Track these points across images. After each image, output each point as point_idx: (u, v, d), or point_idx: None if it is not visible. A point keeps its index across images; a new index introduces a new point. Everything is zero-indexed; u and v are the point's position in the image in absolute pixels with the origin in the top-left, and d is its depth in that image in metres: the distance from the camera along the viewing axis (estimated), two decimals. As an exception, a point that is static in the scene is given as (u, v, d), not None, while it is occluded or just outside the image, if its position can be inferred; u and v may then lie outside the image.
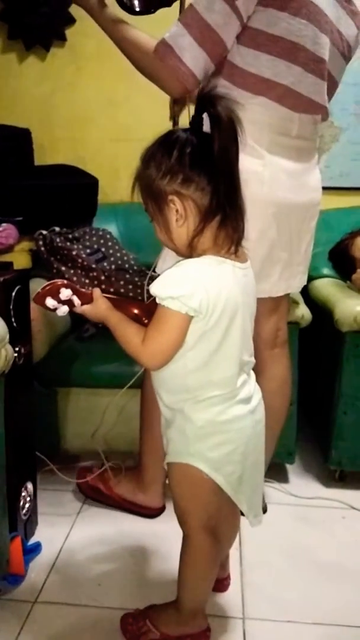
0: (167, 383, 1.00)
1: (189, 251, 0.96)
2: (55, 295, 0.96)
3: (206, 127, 0.92)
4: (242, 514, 1.30)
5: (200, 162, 0.90)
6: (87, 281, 1.84)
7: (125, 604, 1.22)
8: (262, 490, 1.11)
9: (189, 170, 0.90)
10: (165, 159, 0.91)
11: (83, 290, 0.99)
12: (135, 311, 1.01)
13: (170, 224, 0.94)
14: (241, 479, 1.02)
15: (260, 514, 1.10)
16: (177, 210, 0.92)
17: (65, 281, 0.97)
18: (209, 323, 0.92)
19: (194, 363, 0.95)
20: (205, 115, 0.91)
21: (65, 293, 0.96)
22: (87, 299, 0.99)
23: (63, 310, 0.97)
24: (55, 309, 0.97)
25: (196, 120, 0.92)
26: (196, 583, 1.11)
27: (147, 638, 1.13)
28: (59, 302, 0.96)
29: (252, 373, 1.07)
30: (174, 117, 1.52)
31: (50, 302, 0.96)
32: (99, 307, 0.99)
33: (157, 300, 0.92)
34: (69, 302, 0.97)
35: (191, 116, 0.93)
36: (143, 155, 0.95)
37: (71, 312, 0.99)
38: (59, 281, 0.97)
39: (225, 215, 0.92)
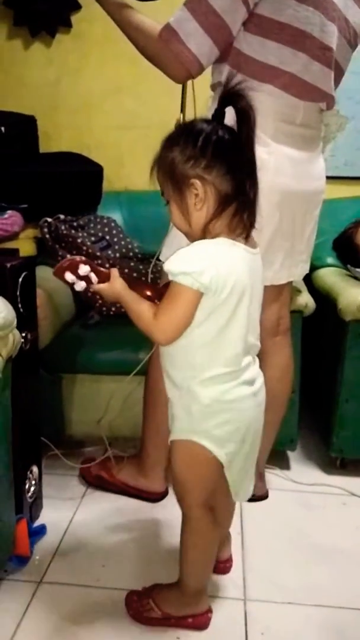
0: (175, 359, 1.03)
1: (203, 235, 0.99)
2: (75, 270, 0.99)
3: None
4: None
5: (223, 151, 0.94)
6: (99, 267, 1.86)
7: (129, 585, 1.24)
8: (254, 470, 1.13)
9: (212, 157, 0.94)
10: (190, 145, 0.95)
11: (101, 268, 1.02)
12: (148, 293, 1.03)
13: (189, 207, 0.97)
14: (236, 457, 1.05)
15: (242, 493, 1.12)
16: (196, 194, 0.96)
17: (84, 258, 1.00)
18: (218, 300, 0.95)
19: (202, 340, 0.98)
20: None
21: (84, 269, 0.99)
22: (104, 278, 1.01)
23: (81, 285, 1.00)
24: (73, 284, 1.00)
25: (219, 113, 0.97)
26: (197, 561, 1.13)
27: (150, 616, 1.16)
28: (78, 277, 0.99)
29: (257, 358, 1.09)
30: (182, 104, 1.52)
31: (69, 276, 0.99)
32: (115, 286, 1.01)
33: (170, 277, 0.95)
34: (86, 279, 1.00)
35: (214, 109, 0.97)
36: (165, 141, 0.99)
37: (86, 290, 1.02)
38: (79, 257, 1.00)
39: (241, 202, 0.96)
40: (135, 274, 1.84)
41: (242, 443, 1.04)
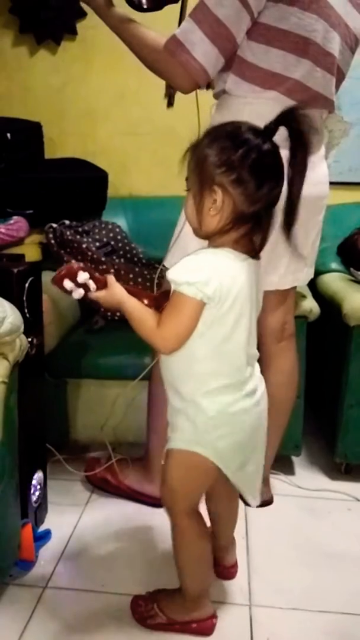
0: (176, 370, 1.02)
1: (208, 239, 0.99)
2: (73, 277, 0.97)
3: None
4: (246, 503, 1.33)
5: (259, 170, 0.92)
6: (96, 274, 1.87)
7: (134, 590, 1.24)
8: (261, 474, 1.14)
9: (246, 173, 0.92)
10: (230, 151, 0.92)
11: (98, 276, 1.00)
12: (145, 301, 1.02)
13: (203, 209, 0.96)
14: (242, 464, 1.06)
15: (257, 496, 1.13)
16: (215, 201, 0.94)
17: (82, 264, 0.98)
18: (220, 311, 0.95)
19: (203, 350, 0.98)
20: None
21: (83, 276, 0.97)
22: (102, 285, 1.00)
23: (79, 293, 0.98)
24: (71, 292, 0.98)
25: (270, 129, 0.95)
26: (193, 567, 1.13)
27: (155, 622, 1.16)
28: (77, 285, 0.97)
29: (257, 365, 1.09)
30: (169, 98, 1.53)
31: (68, 284, 0.97)
32: (114, 292, 1.00)
33: (173, 286, 0.95)
34: (84, 286, 0.98)
35: (269, 122, 0.95)
36: (209, 133, 0.97)
37: (85, 298, 1.00)
38: (76, 264, 0.98)
39: (255, 226, 0.95)
40: (140, 279, 1.85)
41: (245, 451, 1.05)
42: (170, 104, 1.52)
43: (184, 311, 0.95)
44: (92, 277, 0.99)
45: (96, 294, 1.00)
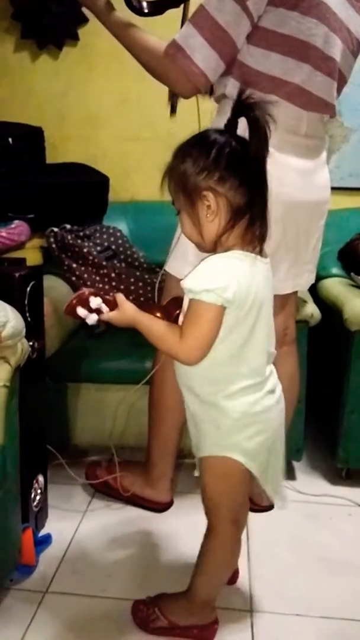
0: (197, 376, 1.01)
1: (215, 247, 0.99)
2: (85, 304, 0.96)
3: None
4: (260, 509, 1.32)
5: (236, 163, 0.94)
6: (97, 278, 1.87)
7: (134, 595, 1.24)
8: (282, 473, 1.14)
9: (226, 169, 0.93)
10: (203, 156, 0.94)
11: (107, 297, 0.99)
12: (158, 314, 1.01)
13: (200, 218, 0.96)
14: (268, 465, 1.06)
15: (284, 496, 1.14)
16: (209, 206, 0.95)
17: (92, 290, 0.97)
18: (241, 314, 0.95)
19: (224, 355, 0.97)
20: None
21: (96, 302, 0.96)
22: (112, 305, 0.99)
23: (93, 318, 0.96)
24: (85, 318, 0.96)
25: (232, 124, 0.96)
26: (215, 575, 1.13)
27: (156, 625, 1.15)
28: (90, 311, 0.96)
29: (273, 365, 1.09)
30: (172, 106, 1.54)
31: (81, 311, 0.95)
32: (127, 311, 0.98)
33: (191, 296, 0.93)
34: (97, 310, 0.97)
35: (227, 119, 0.96)
36: (177, 151, 0.98)
37: (98, 322, 0.98)
38: (87, 290, 0.97)
39: (254, 215, 0.96)
40: (141, 284, 1.85)
41: (270, 451, 1.05)
42: (173, 111, 1.53)
43: (206, 319, 0.93)
44: (102, 299, 0.97)
45: (108, 316, 0.98)
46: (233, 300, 0.92)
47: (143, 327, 0.99)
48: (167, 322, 1.00)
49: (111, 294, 1.01)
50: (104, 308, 0.97)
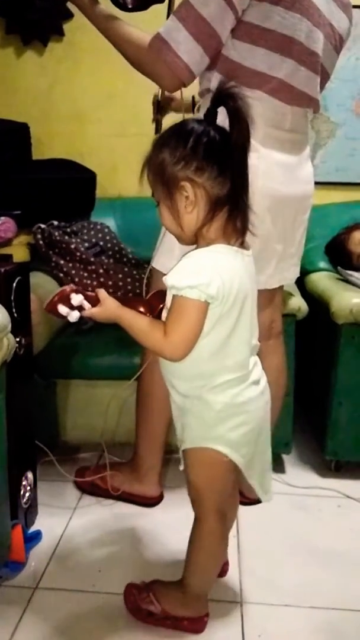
0: (182, 371, 1.01)
1: (195, 239, 0.98)
2: (67, 301, 0.95)
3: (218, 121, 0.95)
4: (249, 502, 1.34)
5: (214, 152, 0.93)
6: (85, 274, 1.86)
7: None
8: (270, 467, 1.14)
9: (203, 159, 0.92)
10: (181, 146, 0.93)
11: (89, 292, 0.98)
12: (141, 309, 1.01)
13: (179, 210, 0.96)
14: (253, 457, 1.06)
15: (270, 490, 1.14)
16: (187, 197, 0.94)
17: (73, 286, 0.96)
18: (224, 309, 0.95)
19: (209, 349, 0.97)
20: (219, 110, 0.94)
21: (77, 299, 0.95)
22: (94, 301, 0.98)
23: (75, 316, 0.96)
24: (67, 316, 0.96)
25: (211, 113, 0.95)
26: (205, 566, 1.14)
27: (148, 609, 1.15)
28: (71, 308, 0.95)
29: (258, 357, 1.09)
30: (157, 124, 1.54)
31: (63, 309, 0.95)
32: (109, 307, 0.98)
33: (174, 292, 0.93)
34: (79, 307, 0.96)
35: (207, 109, 0.96)
36: (156, 141, 0.97)
37: (80, 319, 0.97)
38: (68, 287, 0.96)
39: (233, 207, 0.95)
40: (129, 279, 1.85)
41: (255, 443, 1.05)
42: (157, 130, 1.53)
43: (190, 315, 0.93)
44: (83, 296, 0.96)
45: (90, 312, 0.97)
46: (216, 296, 0.92)
47: (126, 323, 0.98)
48: (151, 318, 0.99)
49: (90, 289, 0.99)
50: (86, 305, 0.96)
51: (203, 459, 1.04)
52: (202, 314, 0.94)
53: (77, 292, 0.95)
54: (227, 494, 1.09)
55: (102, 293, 0.99)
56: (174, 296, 0.94)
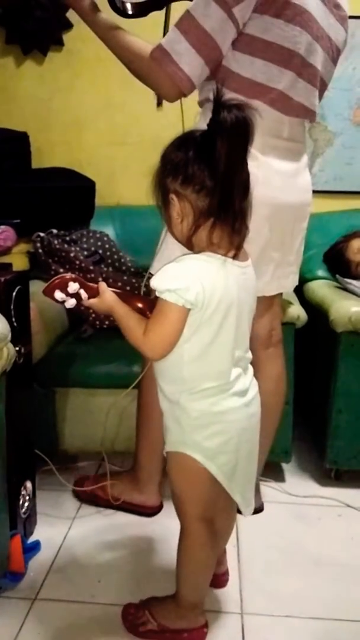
0: (166, 373, 1.03)
1: (190, 246, 1.00)
2: (64, 288, 0.99)
3: None
4: (239, 512, 1.33)
5: (199, 164, 0.93)
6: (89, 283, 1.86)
7: (125, 600, 1.23)
8: (254, 481, 1.14)
9: (189, 171, 0.94)
10: (173, 158, 0.96)
11: (90, 284, 1.02)
12: (140, 305, 1.03)
13: (172, 219, 0.99)
14: (235, 469, 1.05)
15: (252, 505, 1.13)
16: (176, 209, 0.97)
17: (73, 275, 1.00)
18: (204, 316, 0.96)
19: (190, 354, 0.99)
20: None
21: (73, 286, 0.99)
22: (93, 293, 1.01)
23: (71, 303, 1.00)
24: (63, 302, 0.99)
25: (215, 123, 0.94)
26: (194, 575, 1.12)
27: (146, 628, 1.15)
28: (67, 295, 0.99)
29: (250, 368, 1.09)
30: (159, 97, 1.54)
31: (59, 295, 0.99)
32: (106, 299, 1.01)
33: (157, 294, 0.96)
34: (76, 296, 1.00)
35: (210, 119, 0.95)
36: (162, 151, 0.99)
37: (77, 307, 1.02)
38: (68, 275, 0.99)
39: (218, 219, 0.95)
40: (128, 287, 1.85)
41: (236, 454, 1.04)
42: (159, 103, 1.53)
43: (168, 318, 0.96)
44: (83, 286, 1.00)
45: (88, 302, 1.01)
46: (195, 302, 0.93)
47: (117, 317, 1.02)
48: (139, 316, 1.02)
49: (100, 279, 1.02)
50: (84, 294, 1.00)
51: (181, 463, 1.04)
52: (180, 317, 0.96)
53: (75, 280, 0.99)
54: (210, 503, 1.07)
55: (102, 285, 1.02)
56: (157, 297, 0.97)
